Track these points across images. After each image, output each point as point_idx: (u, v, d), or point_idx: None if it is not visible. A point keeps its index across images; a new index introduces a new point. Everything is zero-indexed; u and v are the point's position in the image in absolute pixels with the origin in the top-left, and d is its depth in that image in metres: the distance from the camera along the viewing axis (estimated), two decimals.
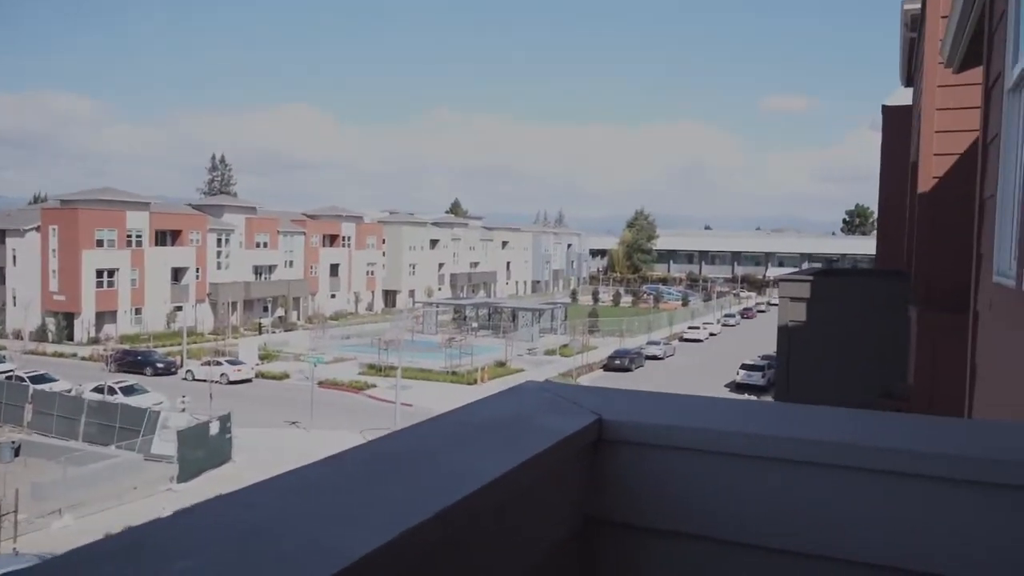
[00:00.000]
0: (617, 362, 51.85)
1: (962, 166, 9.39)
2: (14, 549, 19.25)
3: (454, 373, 46.96)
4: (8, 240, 61.39)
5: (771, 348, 54.00)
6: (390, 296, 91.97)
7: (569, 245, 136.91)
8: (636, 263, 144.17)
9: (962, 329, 7.82)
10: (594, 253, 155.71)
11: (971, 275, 7.56)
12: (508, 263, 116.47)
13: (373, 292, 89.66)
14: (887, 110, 18.47)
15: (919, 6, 12.57)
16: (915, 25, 13.59)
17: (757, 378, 45.31)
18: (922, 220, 9.49)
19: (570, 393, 2.01)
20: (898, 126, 17.41)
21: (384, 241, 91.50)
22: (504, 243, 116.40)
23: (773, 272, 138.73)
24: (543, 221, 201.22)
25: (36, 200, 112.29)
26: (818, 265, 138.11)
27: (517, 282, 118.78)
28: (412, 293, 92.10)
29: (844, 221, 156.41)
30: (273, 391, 43.07)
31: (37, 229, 60.09)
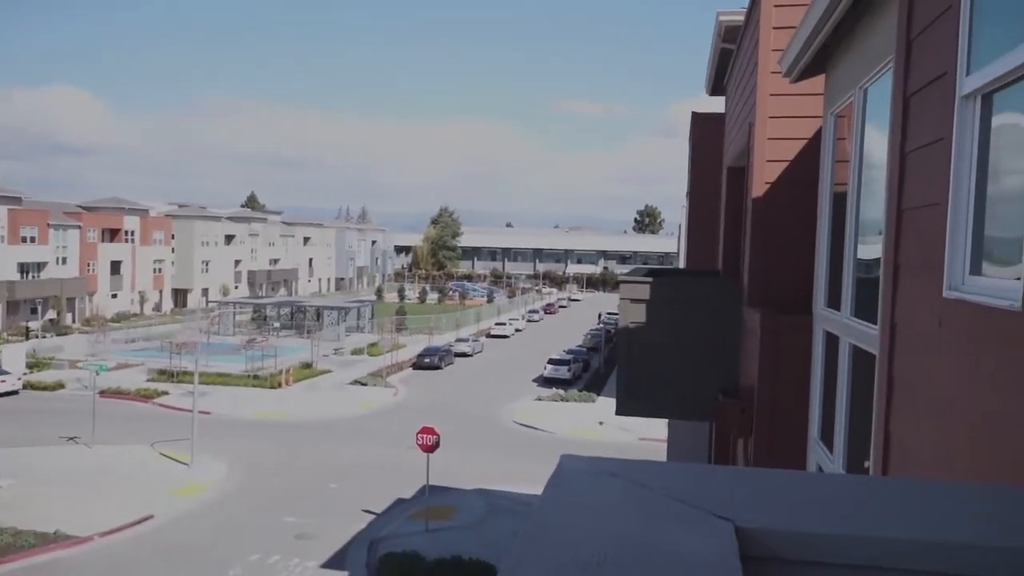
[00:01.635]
0: (427, 360, 51.42)
1: (794, 172, 9.79)
2: None
3: (256, 377, 44.35)
4: None
5: (575, 342, 56.50)
6: (180, 295, 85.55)
7: (374, 242, 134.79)
8: (441, 260, 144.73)
9: (804, 331, 8.07)
10: (399, 250, 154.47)
11: (814, 279, 7.81)
12: (310, 260, 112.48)
13: (161, 291, 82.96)
14: (696, 117, 19.35)
15: (739, 18, 13.10)
16: (730, 36, 14.20)
17: (564, 372, 46.69)
18: (757, 225, 9.80)
19: (642, 474, 1.45)
20: (708, 132, 18.23)
21: (173, 236, 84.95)
22: (306, 239, 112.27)
23: (572, 268, 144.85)
24: (346, 216, 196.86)
25: None
26: (613, 261, 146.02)
27: (320, 280, 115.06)
28: (205, 292, 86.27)
29: (636, 220, 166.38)
30: (45, 403, 38.36)
31: None
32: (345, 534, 21.99)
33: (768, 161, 9.93)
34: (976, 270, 3.14)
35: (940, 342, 3.35)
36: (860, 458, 5.27)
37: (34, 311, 65.99)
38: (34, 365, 46.16)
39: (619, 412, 10.68)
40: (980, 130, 3.19)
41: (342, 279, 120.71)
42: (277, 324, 68.67)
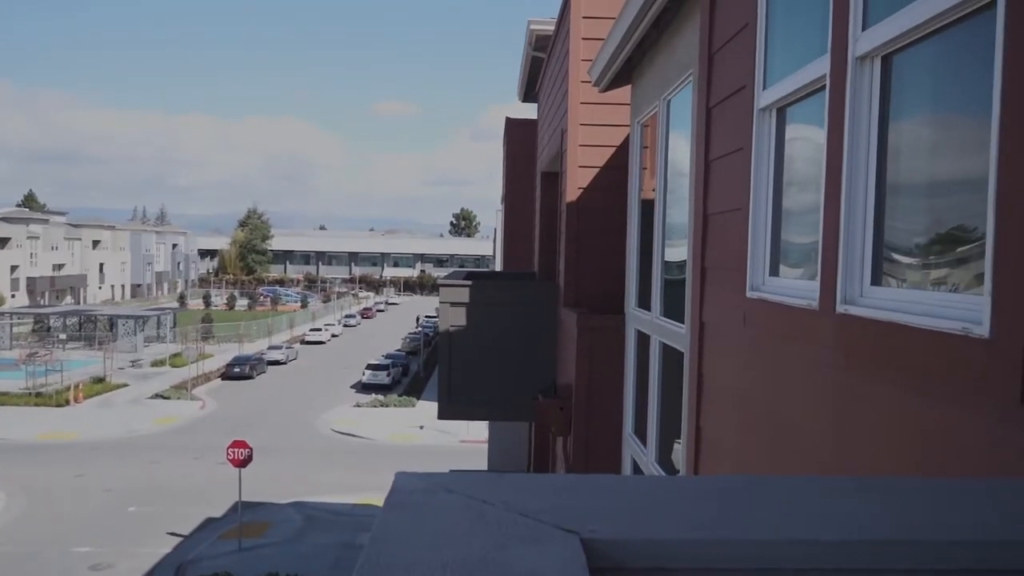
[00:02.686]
0: (237, 370, 48.93)
1: (605, 178, 10.21)
2: None
3: (39, 394, 40.16)
4: None
5: (393, 346, 56.11)
6: None
7: (175, 245, 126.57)
8: (251, 264, 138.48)
9: (617, 330, 8.43)
10: (203, 254, 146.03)
11: (625, 281, 8.18)
12: (101, 265, 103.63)
13: None
14: (510, 123, 19.77)
15: (549, 28, 13.51)
16: (541, 45, 14.62)
17: (383, 377, 46.12)
18: (571, 228, 10.13)
19: (482, 489, 1.40)
20: (522, 138, 18.68)
21: None
22: (96, 242, 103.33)
23: (389, 272, 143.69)
24: (142, 218, 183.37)
25: None
26: (431, 264, 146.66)
27: (113, 286, 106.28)
28: None
29: (452, 224, 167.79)
30: None
31: None
32: (148, 561, 20.38)
33: (580, 167, 10.30)
34: (775, 271, 3.37)
35: (744, 340, 3.57)
36: (671, 451, 5.55)
37: None
38: None
39: (441, 416, 10.66)
40: (776, 140, 3.44)
41: (139, 286, 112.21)
42: (63, 335, 62.59)
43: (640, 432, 6.73)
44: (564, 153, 10.79)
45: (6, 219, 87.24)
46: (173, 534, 22.28)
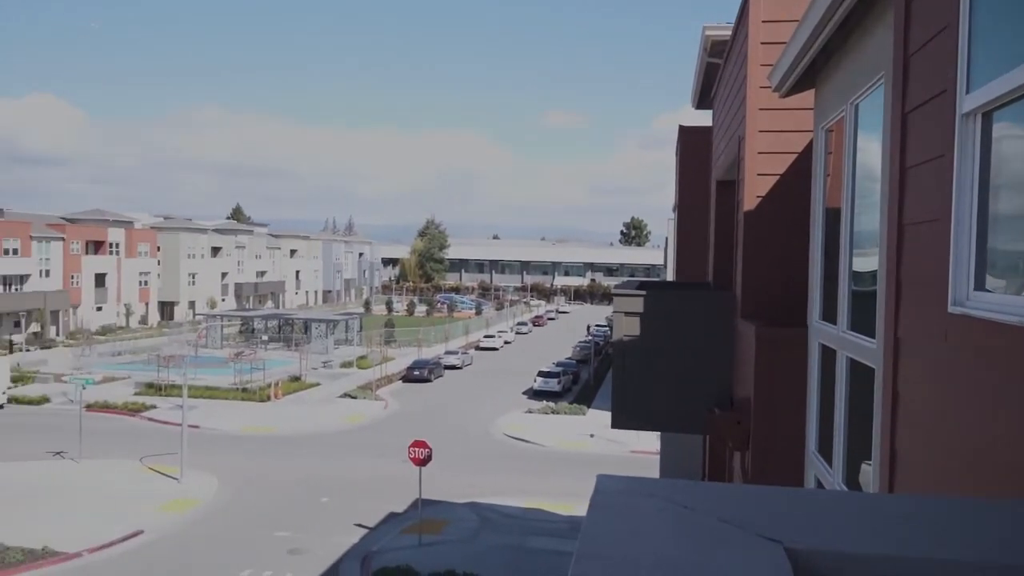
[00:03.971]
0: (416, 373, 51.30)
1: (785, 186, 9.87)
2: None
3: (244, 390, 44.08)
4: None
5: (564, 354, 56.51)
6: (167, 308, 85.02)
7: (360, 254, 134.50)
8: (429, 272, 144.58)
9: (799, 343, 8.13)
10: (386, 262, 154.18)
11: (808, 292, 7.87)
12: (297, 272, 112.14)
13: (147, 304, 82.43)
14: (684, 130, 19.48)
15: (725, 33, 13.22)
16: (716, 51, 14.32)
17: (553, 384, 46.66)
18: (749, 238, 9.87)
19: (683, 495, 1.48)
20: (695, 146, 18.34)
21: (159, 249, 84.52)
22: (292, 251, 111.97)
23: (560, 280, 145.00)
24: (332, 229, 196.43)
25: None
26: (600, 273, 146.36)
27: (307, 292, 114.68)
28: (192, 305, 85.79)
29: (622, 232, 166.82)
30: (31, 418, 37.97)
31: None
32: (337, 549, 21.85)
33: (759, 175, 10.01)
34: (980, 285, 3.18)
35: (946, 358, 3.39)
36: (859, 472, 5.31)
37: (17, 324, 65.38)
38: (18, 379, 45.70)
39: (615, 425, 10.70)
40: (981, 147, 3.25)
41: (329, 291, 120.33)
42: (265, 337, 68.35)
43: (825, 451, 6.46)
44: (741, 160, 10.54)
45: (218, 231, 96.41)
46: (359, 525, 23.72)
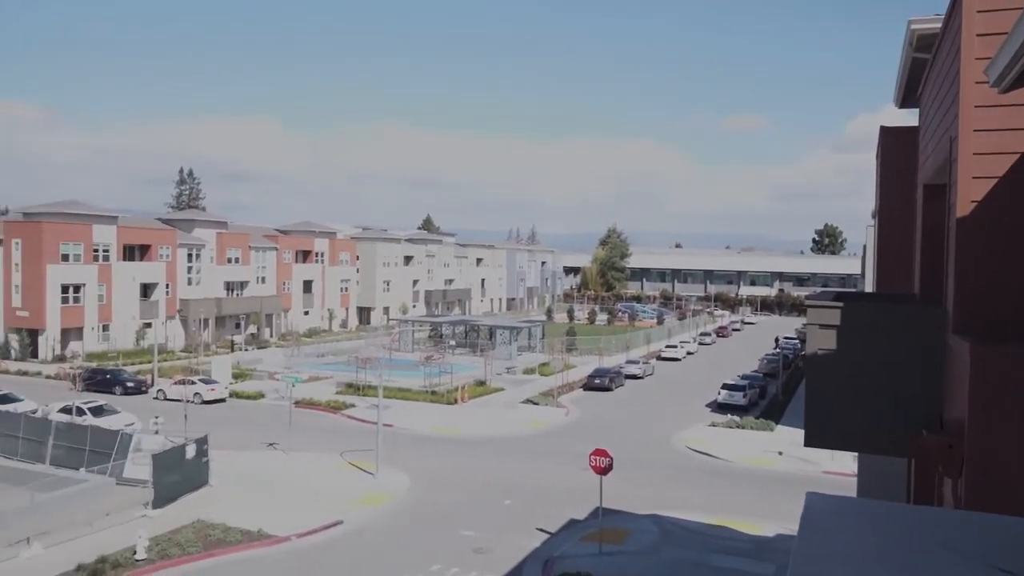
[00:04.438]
0: (597, 381, 51.43)
1: (1005, 190, 9.06)
2: None
3: (433, 392, 46.19)
4: None
5: (749, 367, 54.43)
6: (364, 313, 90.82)
7: (543, 262, 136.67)
8: (610, 281, 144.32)
9: (1021, 362, 7.43)
10: (567, 270, 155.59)
11: None
12: (483, 280, 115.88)
13: (347, 309, 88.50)
14: (886, 132, 18.26)
15: (933, 26, 12.31)
16: (923, 45, 13.33)
17: (739, 398, 45.10)
18: (963, 247, 9.14)
19: (898, 518, 1.48)
20: (899, 148, 17.16)
21: (358, 257, 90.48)
22: (478, 260, 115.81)
23: (745, 290, 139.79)
24: (516, 238, 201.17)
25: None
26: (789, 283, 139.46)
27: (492, 299, 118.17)
28: (387, 310, 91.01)
29: (814, 240, 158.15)
30: (248, 411, 41.94)
31: (0, 242, 58.27)
32: (520, 551, 22.38)
33: (974, 178, 9.26)
34: None
35: None
36: None
37: (237, 326, 72.40)
38: (238, 376, 50.56)
39: (808, 443, 10.23)
40: None
41: (513, 299, 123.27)
42: (452, 342, 71.16)
43: None
44: (953, 163, 9.77)
45: (410, 240, 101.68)
46: (541, 530, 24.16)
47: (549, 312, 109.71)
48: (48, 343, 57.03)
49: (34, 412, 33.38)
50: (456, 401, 44.75)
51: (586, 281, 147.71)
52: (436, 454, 33.55)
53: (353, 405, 43.11)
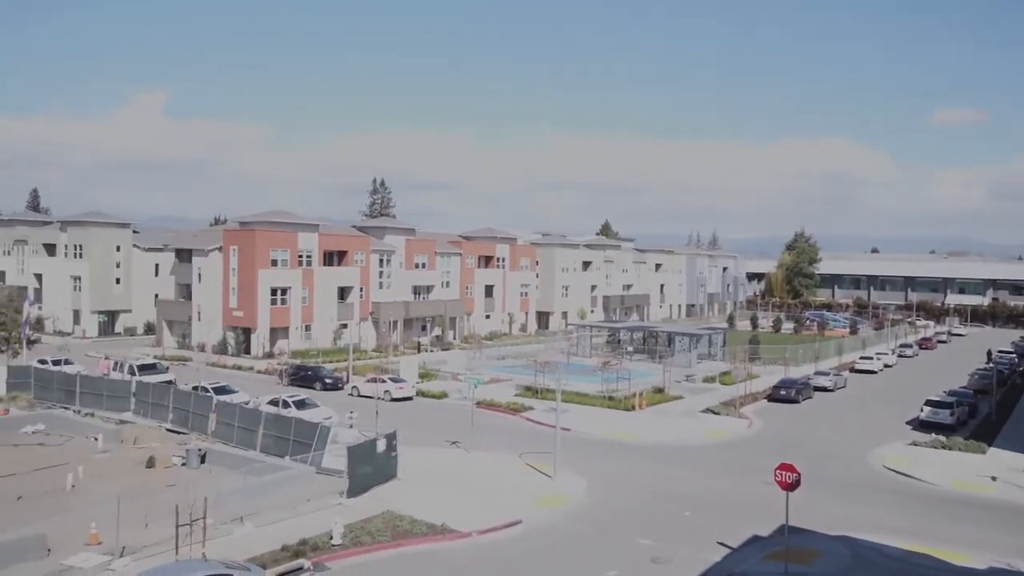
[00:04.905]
0: (783, 392, 49.14)
1: None
2: (203, 554, 20.19)
3: (610, 398, 46.05)
4: (194, 259, 66.51)
5: (957, 383, 49.96)
6: (543, 317, 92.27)
7: (725, 268, 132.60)
8: (797, 288, 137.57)
9: None
10: (751, 277, 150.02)
11: None
12: (661, 286, 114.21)
13: (526, 313, 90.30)
14: None
15: None
16: None
17: (945, 416, 41.40)
18: None
19: None
20: None
21: (537, 262, 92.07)
22: (657, 265, 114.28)
23: (953, 299, 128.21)
24: (696, 243, 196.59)
25: (216, 222, 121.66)
26: (1005, 292, 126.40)
27: (671, 306, 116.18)
28: (565, 315, 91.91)
29: None
30: (432, 410, 43.82)
31: (219, 249, 64.69)
32: (700, 564, 21.80)
33: None
34: None
35: None
36: None
37: (424, 328, 75.87)
38: (424, 376, 52.97)
39: None
40: None
41: (692, 305, 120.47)
42: (630, 348, 70.67)
43: None
44: None
45: (588, 246, 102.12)
46: (722, 544, 23.39)
47: (731, 319, 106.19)
48: (259, 341, 62.57)
49: (247, 403, 36.64)
50: (633, 408, 44.36)
51: (771, 287, 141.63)
52: (613, 459, 33.42)
53: (531, 408, 43.86)
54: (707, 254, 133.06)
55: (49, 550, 20.50)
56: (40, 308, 70.14)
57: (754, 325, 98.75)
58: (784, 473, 21.59)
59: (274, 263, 63.52)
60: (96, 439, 33.76)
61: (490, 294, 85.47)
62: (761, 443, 37.49)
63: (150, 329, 75.56)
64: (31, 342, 51.76)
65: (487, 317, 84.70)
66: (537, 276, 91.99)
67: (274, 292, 63.45)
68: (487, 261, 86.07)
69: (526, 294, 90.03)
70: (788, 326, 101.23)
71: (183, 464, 30.18)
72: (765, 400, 49.02)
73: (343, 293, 69.27)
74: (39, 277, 79.33)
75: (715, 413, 43.82)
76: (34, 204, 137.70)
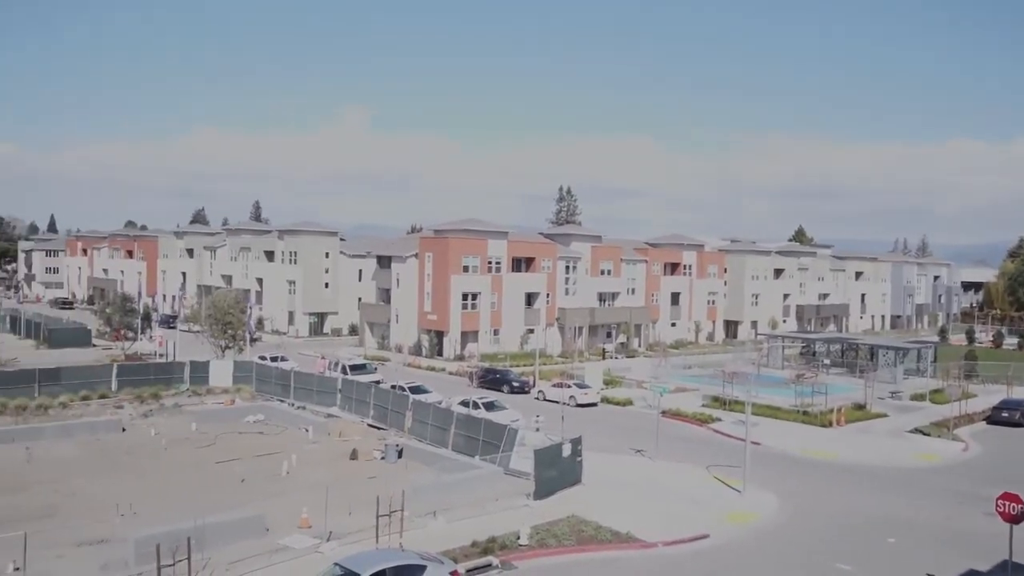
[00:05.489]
0: (1004, 414, 44.47)
1: None
2: (400, 544, 21.43)
3: (805, 413, 43.76)
4: (393, 265, 70.67)
5: None
6: (731, 327, 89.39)
7: (936, 277, 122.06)
8: (1021, 299, 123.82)
9: None
10: (966, 286, 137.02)
11: None
12: (862, 295, 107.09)
13: (713, 322, 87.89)
14: None
15: None
16: None
17: None
18: None
19: None
20: None
21: (725, 270, 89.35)
22: (858, 274, 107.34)
23: None
24: (903, 250, 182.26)
25: (413, 230, 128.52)
26: None
27: (873, 316, 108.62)
28: (754, 324, 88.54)
29: None
30: (617, 417, 43.74)
31: (415, 256, 68.28)
32: None
33: None
34: None
35: None
36: None
37: (608, 335, 75.88)
38: (608, 382, 52.98)
39: None
40: None
41: (898, 317, 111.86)
42: (826, 360, 66.83)
43: None
44: None
45: (780, 253, 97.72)
46: None
47: (943, 332, 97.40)
48: (451, 343, 65.35)
49: (439, 403, 38.41)
50: (831, 424, 41.87)
51: (990, 299, 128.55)
52: (807, 477, 31.75)
53: (719, 419, 42.62)
54: (915, 261, 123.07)
55: (267, 529, 22.60)
56: (260, 309, 77.32)
57: (970, 339, 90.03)
58: (1008, 503, 19.59)
59: (465, 269, 66.10)
60: (307, 430, 36.80)
61: (676, 302, 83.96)
62: (978, 469, 34.14)
63: (353, 330, 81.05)
64: (253, 340, 57.24)
65: (673, 325, 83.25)
66: (725, 284, 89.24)
67: (465, 297, 66.01)
68: (673, 268, 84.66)
69: (713, 302, 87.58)
70: (1011, 341, 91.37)
71: (382, 458, 32.14)
72: (983, 422, 44.58)
73: (530, 299, 70.78)
74: (260, 281, 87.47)
75: (925, 434, 40.42)
76: (256, 215, 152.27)
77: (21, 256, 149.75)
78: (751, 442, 30.94)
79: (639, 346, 76.80)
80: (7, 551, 19.36)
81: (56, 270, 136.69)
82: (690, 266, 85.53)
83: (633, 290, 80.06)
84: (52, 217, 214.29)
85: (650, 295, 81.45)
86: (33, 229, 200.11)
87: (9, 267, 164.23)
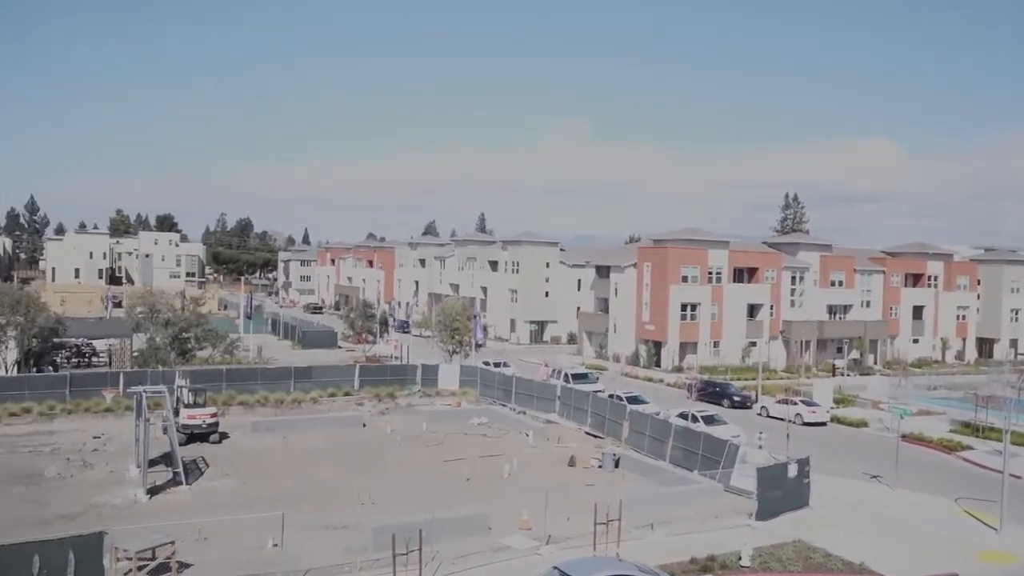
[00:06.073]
0: None
1: None
2: (616, 553, 21.50)
3: None
4: (612, 275, 71.02)
5: None
6: (985, 345, 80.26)
7: None
8: None
9: None
10: None
11: None
12: None
13: (964, 339, 79.43)
14: None
15: None
16: None
17: None
18: None
19: None
20: None
21: (979, 282, 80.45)
22: None
23: None
24: None
25: (631, 240, 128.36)
26: None
27: None
28: (1014, 343, 78.90)
29: None
30: (849, 438, 40.85)
31: (634, 266, 68.15)
32: None
33: None
34: None
35: None
36: None
37: (839, 350, 71.03)
38: (839, 401, 49.61)
39: None
40: None
41: None
42: None
43: None
44: None
45: None
46: None
47: None
48: (669, 354, 64.47)
49: (657, 414, 38.03)
50: None
51: None
52: None
53: (970, 447, 38.44)
54: None
55: (490, 528, 23.62)
56: (484, 317, 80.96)
57: None
58: None
59: (684, 279, 64.97)
60: (527, 435, 37.96)
61: (919, 316, 76.83)
62: None
63: (572, 339, 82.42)
64: (478, 346, 60.06)
65: (915, 341, 76.25)
66: (979, 297, 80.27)
67: (684, 307, 64.86)
68: (916, 279, 77.61)
69: (964, 317, 79.12)
70: None
71: (599, 466, 32.41)
72: None
73: (752, 310, 68.10)
74: (484, 290, 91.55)
75: None
76: (481, 226, 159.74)
77: (280, 266, 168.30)
78: (1011, 475, 27.64)
79: (874, 363, 71.16)
80: (268, 528, 21.81)
81: (308, 278, 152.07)
82: (936, 277, 77.96)
83: (868, 303, 74.41)
84: (306, 230, 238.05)
85: (888, 308, 75.24)
86: (290, 241, 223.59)
87: (271, 275, 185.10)
